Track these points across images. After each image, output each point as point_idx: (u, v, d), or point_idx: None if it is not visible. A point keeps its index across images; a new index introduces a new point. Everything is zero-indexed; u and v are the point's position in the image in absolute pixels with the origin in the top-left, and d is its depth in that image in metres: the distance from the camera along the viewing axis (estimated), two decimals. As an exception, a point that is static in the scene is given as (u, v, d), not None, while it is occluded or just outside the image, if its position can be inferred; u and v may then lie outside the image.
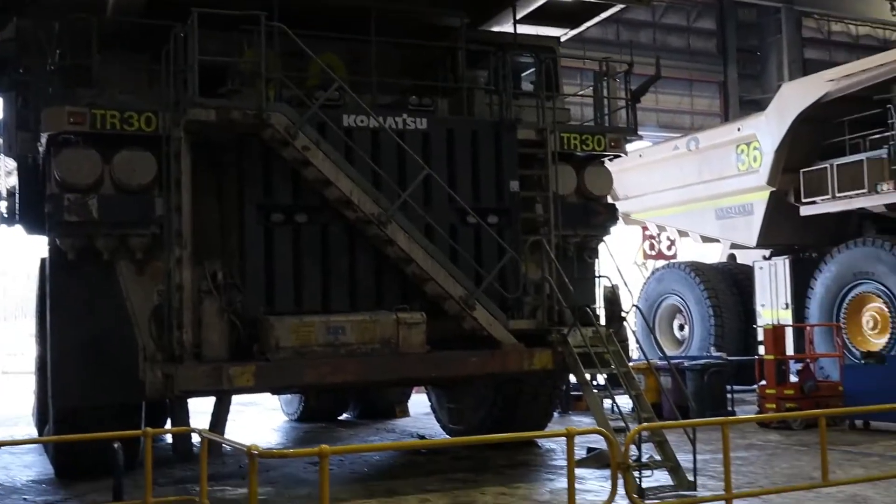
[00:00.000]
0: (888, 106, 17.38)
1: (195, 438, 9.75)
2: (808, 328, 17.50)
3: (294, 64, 10.93)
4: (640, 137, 13.55)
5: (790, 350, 17.24)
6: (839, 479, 7.49)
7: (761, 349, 16.40)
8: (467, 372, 11.02)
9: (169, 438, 12.22)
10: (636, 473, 9.16)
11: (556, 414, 16.87)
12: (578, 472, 10.42)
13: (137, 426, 9.63)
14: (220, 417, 11.28)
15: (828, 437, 13.16)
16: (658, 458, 9.94)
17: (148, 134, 10.14)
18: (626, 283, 12.23)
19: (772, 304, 20.45)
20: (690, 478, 9.61)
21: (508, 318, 11.14)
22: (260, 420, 17.52)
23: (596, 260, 12.52)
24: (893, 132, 17.56)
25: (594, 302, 11.97)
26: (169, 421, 11.51)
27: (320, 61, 10.69)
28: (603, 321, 11.52)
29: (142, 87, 10.92)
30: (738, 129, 20.98)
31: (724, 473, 6.27)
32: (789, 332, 17.88)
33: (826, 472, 6.57)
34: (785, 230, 20.32)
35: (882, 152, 17.82)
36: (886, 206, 18.04)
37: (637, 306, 12.93)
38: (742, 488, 9.16)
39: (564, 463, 10.69)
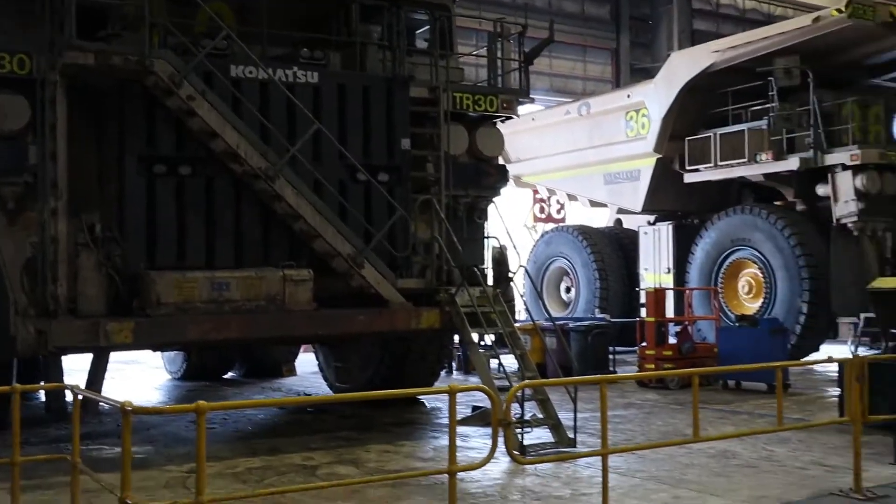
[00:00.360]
0: (769, 78, 17.98)
1: (69, 396, 9.40)
2: (687, 292, 18.10)
3: (180, 10, 10.50)
4: (533, 100, 13.62)
5: (670, 313, 17.83)
6: (710, 435, 7.80)
7: (643, 311, 16.88)
8: (354, 330, 10.96)
9: (43, 396, 11.79)
10: (518, 430, 9.33)
11: (453, 374, 17.07)
12: (462, 430, 10.56)
13: (9, 384, 9.21)
14: (97, 375, 10.94)
15: (701, 397, 13.70)
16: (540, 416, 10.14)
17: (21, 77, 9.62)
18: (514, 245, 12.35)
19: (654, 268, 21.05)
20: (571, 435, 9.86)
21: (397, 277, 11.11)
22: (142, 379, 17.09)
23: (485, 221, 12.58)
24: (773, 104, 18.21)
25: (482, 262, 12.05)
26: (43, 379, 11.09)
27: (208, 9, 10.30)
28: (490, 282, 11.62)
29: (15, 27, 10.30)
30: (628, 96, 21.40)
31: (601, 431, 6.41)
32: (670, 296, 18.49)
33: (697, 428, 6.81)
34: (669, 196, 20.91)
35: (762, 123, 18.48)
36: (765, 175, 18.76)
37: (524, 267, 13.07)
38: (620, 445, 9.45)
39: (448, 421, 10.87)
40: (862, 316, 16.67)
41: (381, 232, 10.90)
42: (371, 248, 10.74)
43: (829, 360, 8.30)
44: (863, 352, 15.48)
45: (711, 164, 19.32)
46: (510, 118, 13.02)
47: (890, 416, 8.33)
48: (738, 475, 8.40)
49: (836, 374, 15.32)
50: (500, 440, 6.17)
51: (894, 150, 16.95)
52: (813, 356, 17.86)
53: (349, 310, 10.84)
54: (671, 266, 20.64)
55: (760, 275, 18.45)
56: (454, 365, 17.25)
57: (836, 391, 13.78)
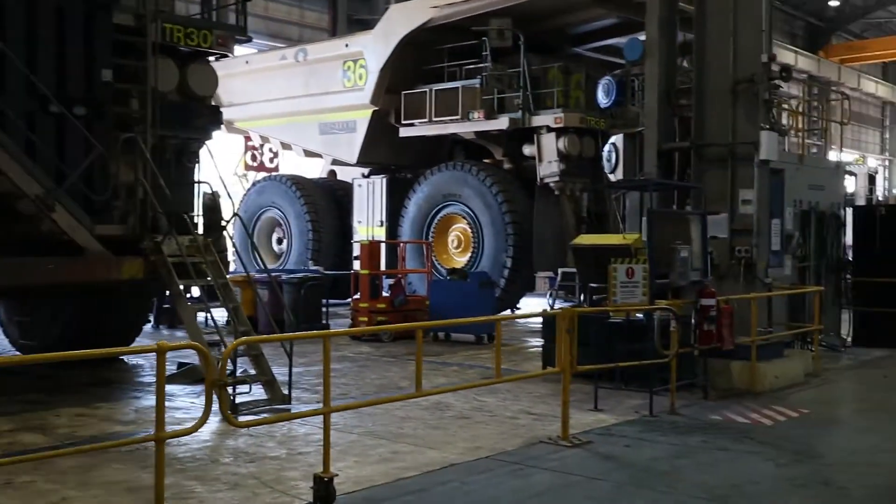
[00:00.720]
0: (483, 38, 18.39)
1: None
2: (401, 245, 18.21)
3: None
4: (250, 39, 12.81)
5: (384, 266, 17.88)
6: (429, 389, 7.75)
7: (357, 264, 16.78)
8: (43, 280, 9.77)
9: None
10: (230, 389, 8.78)
11: (152, 328, 15.94)
12: (168, 388, 9.82)
13: None
14: None
15: (413, 348, 13.94)
16: (253, 372, 9.65)
17: None
18: (227, 191, 11.63)
19: (368, 221, 21.03)
20: (285, 391, 9.46)
21: (95, 223, 10.02)
22: None
23: (196, 165, 11.72)
24: (486, 64, 18.67)
25: (192, 209, 11.22)
26: None
27: None
28: (201, 230, 10.84)
29: None
30: (346, 46, 21.05)
31: (323, 387, 6.09)
32: (383, 249, 18.54)
33: (419, 382, 6.69)
34: (384, 150, 20.93)
35: (475, 82, 18.91)
36: (476, 133, 19.27)
37: (238, 215, 12.38)
38: (336, 400, 9.18)
39: (152, 379, 10.05)
40: (560, 271, 17.67)
41: (76, 172, 9.74)
42: (64, 190, 9.57)
43: (544, 312, 8.51)
44: (559, 305, 16.42)
45: (426, 120, 19.53)
46: (225, 56, 12.20)
47: (595, 365, 8.74)
48: (453, 427, 8.45)
49: (538, 326, 16.20)
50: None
51: (593, 116, 17.99)
52: (522, 309, 18.72)
53: (36, 258, 9.64)
54: (384, 219, 20.71)
55: (469, 230, 18.98)
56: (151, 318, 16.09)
57: (537, 342, 14.50)
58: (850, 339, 14.48)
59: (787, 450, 7.63)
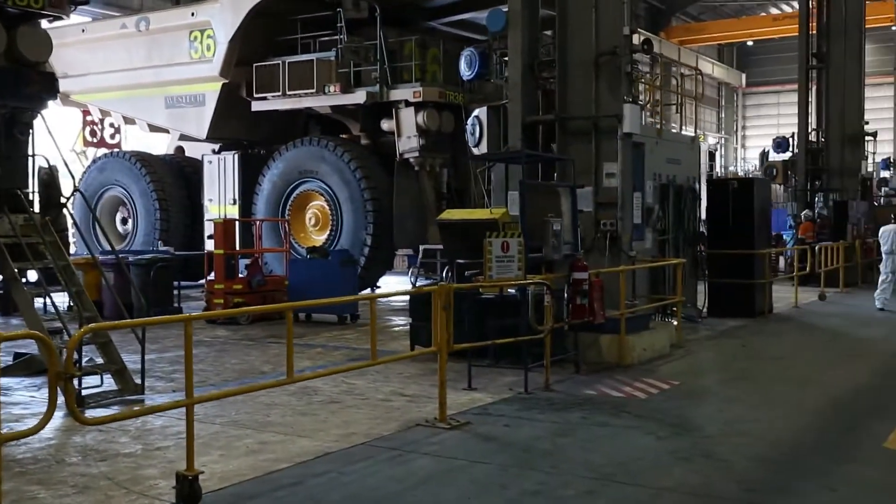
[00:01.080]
0: (338, 10, 17.76)
1: None
2: (257, 223, 17.47)
3: None
4: (87, 1, 11.78)
5: (239, 246, 17.08)
6: (303, 374, 7.25)
7: (209, 244, 15.94)
8: None
9: None
10: (75, 380, 8.00)
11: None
12: (2, 381, 8.93)
13: None
14: None
15: (272, 331, 13.34)
16: (100, 361, 8.86)
17: None
18: (67, 165, 10.65)
19: (219, 199, 20.09)
20: (137, 380, 8.74)
21: (-89, 201, 8.94)
22: None
23: (29, 137, 10.67)
24: (342, 36, 18.07)
25: (27, 185, 10.21)
26: None
27: None
28: (38, 208, 9.88)
29: None
30: (193, 14, 19.91)
31: (185, 376, 5.51)
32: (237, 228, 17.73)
33: (291, 368, 6.19)
34: (236, 124, 20.01)
35: (331, 55, 18.26)
36: (332, 107, 18.66)
37: (81, 191, 11.41)
38: (195, 388, 8.58)
39: (-16, 374, 9.10)
40: (421, 247, 17.39)
41: None
42: None
43: (419, 289, 8.14)
44: (421, 283, 16.14)
45: (280, 93, 18.76)
46: (59, 18, 11.14)
47: (470, 343, 8.45)
48: (323, 412, 7.99)
49: (402, 305, 15.88)
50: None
51: (452, 90, 17.72)
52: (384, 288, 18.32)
53: None
54: (237, 197, 19.83)
55: (327, 207, 18.41)
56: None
57: (401, 321, 14.17)
58: (705, 310, 14.85)
59: (665, 423, 7.58)
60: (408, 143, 17.87)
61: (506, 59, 12.54)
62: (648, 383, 9.24)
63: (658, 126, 14.07)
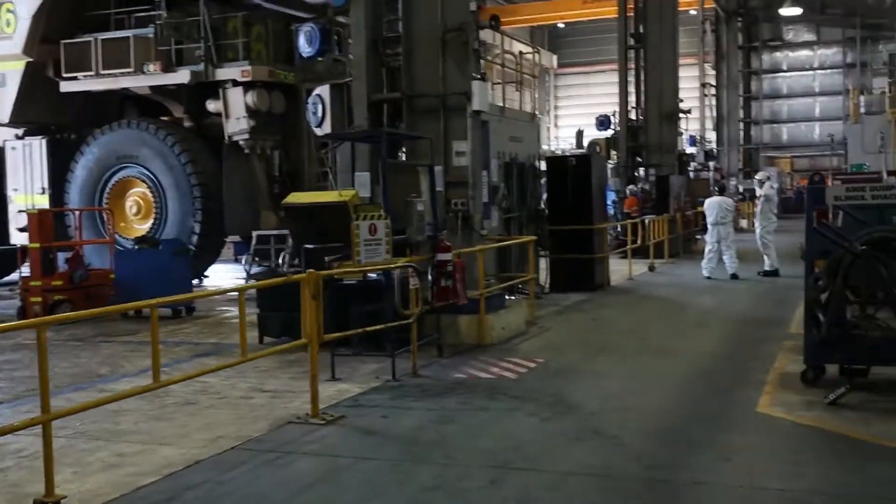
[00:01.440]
0: (154, -17, 16.67)
1: None
2: (76, 214, 16.13)
3: None
4: None
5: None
6: (169, 379, 6.56)
7: (22, 237, 14.56)
8: None
9: None
10: None
11: None
12: None
13: None
14: None
15: (102, 329, 12.33)
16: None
17: None
18: None
19: (26, 188, 18.51)
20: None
21: None
22: None
23: None
24: (161, 12, 16.95)
25: None
26: None
27: None
28: None
29: None
30: (-12, -13, 18.13)
31: (40, 389, 4.79)
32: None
33: (157, 371, 5.55)
34: (43, 107, 18.41)
35: (149, 31, 17.10)
36: (152, 88, 17.49)
37: None
38: (23, 398, 7.70)
39: None
40: (254, 234, 16.64)
41: None
42: None
43: (290, 278, 7.58)
44: (255, 270, 15.42)
45: (92, 73, 17.40)
46: None
47: (342, 333, 7.99)
48: (180, 416, 7.33)
49: (234, 294, 15.08)
50: None
51: (283, 69, 17.00)
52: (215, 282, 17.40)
53: None
54: (47, 186, 18.30)
55: (150, 194, 17.31)
56: None
57: (235, 310, 13.43)
58: (547, 286, 14.99)
59: (544, 402, 7.43)
60: (237, 125, 16.99)
61: (349, 37, 12.04)
62: (514, 363, 9.11)
63: (501, 105, 14.00)
